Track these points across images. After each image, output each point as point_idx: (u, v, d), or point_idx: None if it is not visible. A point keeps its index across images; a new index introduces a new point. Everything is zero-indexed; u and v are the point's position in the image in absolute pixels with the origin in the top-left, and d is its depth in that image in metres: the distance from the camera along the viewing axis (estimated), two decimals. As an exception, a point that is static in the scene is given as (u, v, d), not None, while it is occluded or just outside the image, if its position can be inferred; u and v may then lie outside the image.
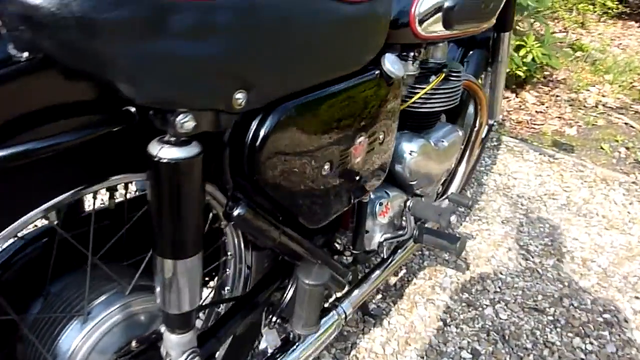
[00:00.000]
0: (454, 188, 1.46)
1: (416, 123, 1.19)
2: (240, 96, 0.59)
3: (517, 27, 2.78)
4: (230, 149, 0.64)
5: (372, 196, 1.07)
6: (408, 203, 1.09)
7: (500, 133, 2.61)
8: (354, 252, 1.08)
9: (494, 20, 1.21)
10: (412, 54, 1.08)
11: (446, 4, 0.98)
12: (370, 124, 0.84)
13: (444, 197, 1.29)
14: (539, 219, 1.95)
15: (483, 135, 1.84)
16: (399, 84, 0.91)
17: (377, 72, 0.84)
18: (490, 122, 1.83)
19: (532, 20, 2.83)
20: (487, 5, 1.07)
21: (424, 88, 1.12)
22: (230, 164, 0.65)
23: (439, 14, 0.98)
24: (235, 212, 0.67)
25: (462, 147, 1.49)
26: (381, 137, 0.90)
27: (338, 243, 1.05)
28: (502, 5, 1.17)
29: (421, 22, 0.97)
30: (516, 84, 3.03)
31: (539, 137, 2.66)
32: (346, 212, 1.03)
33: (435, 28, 1.00)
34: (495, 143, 2.51)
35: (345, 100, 0.77)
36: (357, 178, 0.87)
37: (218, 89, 0.55)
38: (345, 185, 0.84)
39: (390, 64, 0.84)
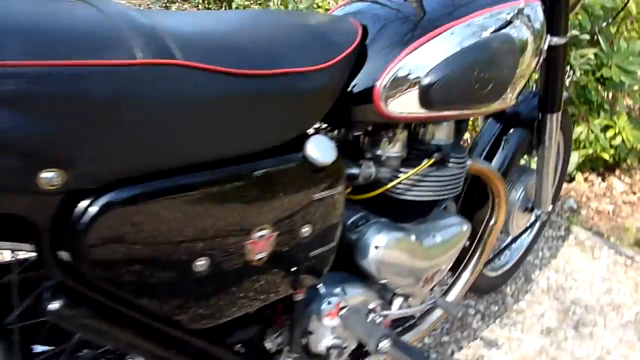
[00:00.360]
0: (453, 293, 1.23)
1: (400, 211, 1.01)
2: (50, 175, 0.50)
3: (606, 105, 2.45)
4: (51, 231, 0.54)
5: (322, 292, 0.91)
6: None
7: (571, 222, 2.27)
8: (292, 355, 0.92)
9: (509, 102, 1.02)
10: (389, 134, 0.93)
11: (423, 81, 0.83)
12: (280, 216, 0.70)
13: (432, 300, 1.08)
14: (591, 335, 1.61)
15: (520, 229, 1.59)
16: (338, 171, 0.76)
17: (301, 155, 0.71)
18: (537, 212, 1.58)
19: (625, 99, 2.49)
20: (484, 87, 0.89)
21: (407, 172, 0.96)
22: (51, 248, 0.55)
23: (414, 92, 0.83)
24: (50, 307, 0.57)
25: (473, 244, 1.26)
26: (306, 230, 0.75)
27: (271, 341, 0.90)
28: (513, 87, 0.98)
29: (389, 99, 0.83)
30: (605, 167, 2.65)
31: (619, 233, 2.27)
32: (275, 308, 0.88)
33: (409, 108, 0.85)
34: (562, 233, 2.17)
35: (236, 187, 0.64)
36: (264, 277, 0.73)
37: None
38: (243, 285, 0.71)
39: (315, 148, 0.71)
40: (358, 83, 0.82)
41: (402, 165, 0.98)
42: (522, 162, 1.69)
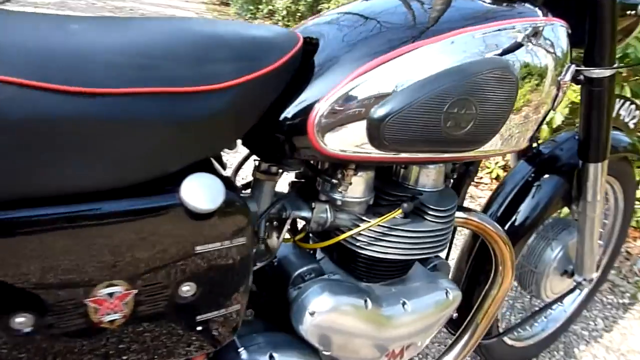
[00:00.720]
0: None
1: (362, 268, 0.83)
2: None
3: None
4: None
5: (243, 358, 0.75)
6: None
7: (640, 288, 1.90)
8: None
9: (515, 145, 0.80)
10: (348, 173, 0.75)
11: (372, 113, 0.65)
12: (141, 271, 0.56)
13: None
14: None
15: (556, 295, 1.32)
16: (236, 219, 0.60)
17: (177, 197, 0.56)
18: (579, 279, 1.30)
19: None
20: (460, 126, 0.68)
21: (368, 222, 0.78)
22: None
23: (360, 126, 0.66)
24: None
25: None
26: (187, 290, 0.60)
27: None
28: (513, 127, 0.76)
29: (327, 132, 0.66)
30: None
31: (702, 309, 1.86)
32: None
33: (354, 145, 0.67)
34: (626, 300, 1.82)
35: (70, 230, 0.51)
36: (125, 343, 0.58)
37: None
38: (88, 350, 0.56)
39: (192, 190, 0.55)
40: (292, 109, 0.66)
41: (367, 213, 0.80)
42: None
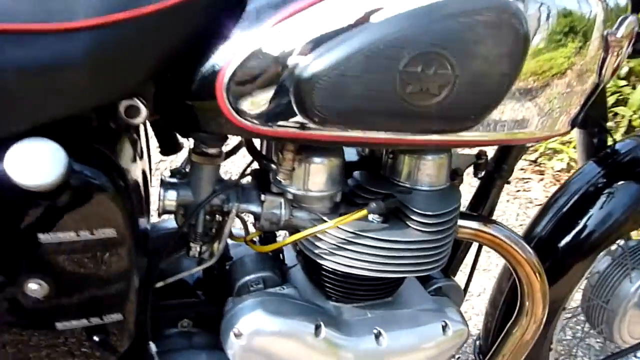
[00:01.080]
0: None
1: (328, 284, 0.65)
2: None
3: None
4: None
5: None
6: None
7: None
8: None
9: (557, 129, 0.58)
10: (274, 157, 0.59)
11: (300, 73, 0.47)
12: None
13: None
14: None
15: (633, 341, 1.02)
16: (101, 203, 0.46)
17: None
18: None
19: None
20: (429, 93, 0.47)
21: (326, 223, 0.60)
22: None
23: (285, 90, 0.48)
24: None
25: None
26: (35, 289, 0.46)
27: None
28: (531, 104, 0.53)
29: (243, 97, 0.49)
30: None
31: None
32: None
33: (280, 118, 0.50)
34: None
35: None
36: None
37: None
38: None
39: (17, 160, 0.42)
40: (200, 66, 0.50)
41: (331, 212, 0.62)
42: None
